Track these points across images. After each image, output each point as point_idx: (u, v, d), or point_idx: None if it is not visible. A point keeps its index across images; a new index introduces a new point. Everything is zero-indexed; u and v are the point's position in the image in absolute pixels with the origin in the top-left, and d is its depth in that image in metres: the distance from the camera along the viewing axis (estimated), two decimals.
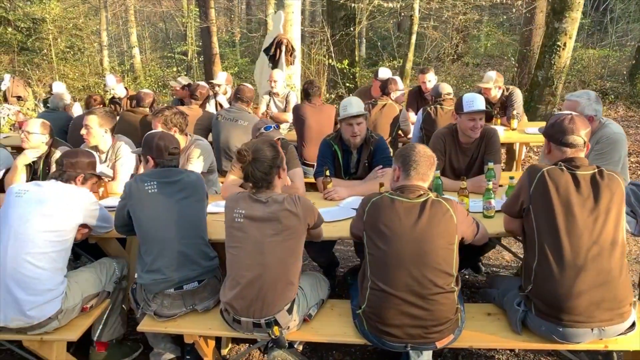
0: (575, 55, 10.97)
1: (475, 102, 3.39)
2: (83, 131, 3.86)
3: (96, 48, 14.02)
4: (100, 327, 2.93)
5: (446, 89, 4.84)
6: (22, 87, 9.74)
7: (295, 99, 6.56)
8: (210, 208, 3.12)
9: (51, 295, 2.60)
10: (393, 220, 2.33)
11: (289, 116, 6.46)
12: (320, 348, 3.09)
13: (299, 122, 5.09)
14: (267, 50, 7.98)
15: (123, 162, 3.87)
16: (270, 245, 2.42)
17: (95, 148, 3.78)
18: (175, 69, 15.16)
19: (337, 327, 2.61)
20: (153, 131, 2.98)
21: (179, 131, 3.71)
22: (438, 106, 4.58)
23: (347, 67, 10.38)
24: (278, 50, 7.86)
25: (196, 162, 3.71)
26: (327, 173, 3.47)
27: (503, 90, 5.56)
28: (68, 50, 14.50)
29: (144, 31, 19.32)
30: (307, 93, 5.12)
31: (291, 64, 8.08)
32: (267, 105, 6.36)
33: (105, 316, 2.93)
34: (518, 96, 5.52)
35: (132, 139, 4.83)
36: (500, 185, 3.54)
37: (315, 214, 2.56)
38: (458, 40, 13.86)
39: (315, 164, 3.81)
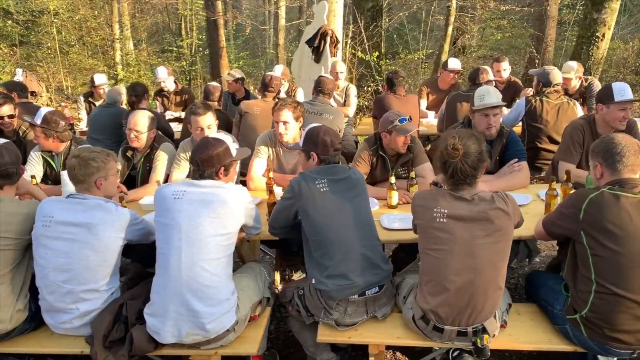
0: (613, 46, 10.87)
1: (626, 90, 3.22)
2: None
3: (108, 41, 13.49)
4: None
5: (557, 77, 4.37)
6: (35, 82, 9.25)
7: (355, 92, 6.34)
8: None
9: (228, 305, 2.37)
10: (622, 218, 2.14)
11: (350, 110, 6.25)
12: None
13: (383, 113, 4.85)
14: (310, 42, 7.71)
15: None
16: (481, 248, 2.22)
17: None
18: (184, 63, 14.70)
19: (536, 333, 2.42)
20: (315, 125, 2.73)
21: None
22: (544, 98, 4.31)
23: (376, 59, 10.17)
24: (322, 42, 7.60)
25: None
26: (413, 175, 3.23)
27: (582, 81, 5.42)
28: (74, 43, 13.97)
29: (140, 23, 18.78)
30: (391, 83, 4.91)
31: (334, 56, 7.83)
32: None
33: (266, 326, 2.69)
34: (598, 87, 5.38)
35: None
36: None
37: (519, 212, 2.37)
38: (476, 32, 13.75)
39: None
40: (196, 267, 2.31)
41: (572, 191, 2.95)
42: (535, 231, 2.60)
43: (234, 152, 2.63)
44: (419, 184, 3.24)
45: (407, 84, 11.72)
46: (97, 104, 6.57)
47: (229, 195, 2.44)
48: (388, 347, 2.96)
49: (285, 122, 3.50)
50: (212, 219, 2.37)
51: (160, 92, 6.62)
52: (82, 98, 6.73)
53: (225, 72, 14.06)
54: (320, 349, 2.69)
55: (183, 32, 17.63)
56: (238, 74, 6.50)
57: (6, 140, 2.79)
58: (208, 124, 3.52)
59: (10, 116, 4.30)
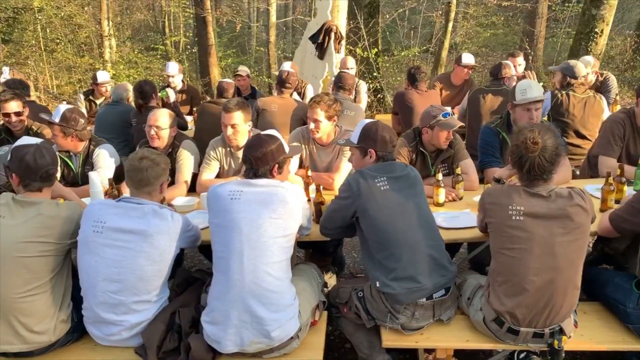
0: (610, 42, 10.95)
1: None
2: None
3: (96, 38, 13.12)
4: None
5: (583, 70, 4.27)
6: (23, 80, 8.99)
7: (365, 88, 6.23)
8: None
9: (292, 311, 2.24)
10: None
11: (361, 107, 6.13)
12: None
13: (405, 109, 4.78)
14: (314, 38, 7.58)
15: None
16: (561, 246, 2.13)
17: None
18: (176, 60, 14.40)
19: (607, 333, 2.35)
20: (371, 121, 2.60)
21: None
22: (570, 92, 4.26)
23: (374, 56, 10.08)
24: (327, 38, 7.48)
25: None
26: (459, 171, 3.15)
27: (598, 76, 5.41)
28: (58, 40, 13.56)
29: (124, 21, 18.35)
30: (414, 79, 4.81)
31: (338, 52, 7.72)
32: None
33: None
34: (614, 81, 5.39)
35: (217, 131, 4.41)
36: None
37: (594, 208, 2.28)
38: (468, 28, 13.78)
39: (480, 153, 3.51)
40: (259, 271, 2.17)
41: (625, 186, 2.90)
42: (599, 228, 2.52)
43: (287, 149, 2.50)
44: (465, 181, 3.16)
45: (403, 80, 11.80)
46: (98, 102, 6.36)
47: (289, 195, 2.31)
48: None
49: (316, 120, 3.37)
50: (273, 220, 2.23)
51: (166, 89, 6.40)
52: (82, 96, 6.48)
53: (214, 70, 13.89)
54: (376, 351, 2.57)
55: (167, 30, 17.34)
56: (244, 71, 6.37)
57: (41, 140, 2.60)
58: (237, 121, 3.35)
59: (18, 113, 4.04)
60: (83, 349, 2.39)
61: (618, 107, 5.21)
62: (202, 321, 2.24)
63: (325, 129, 3.41)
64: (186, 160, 3.48)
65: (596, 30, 8.82)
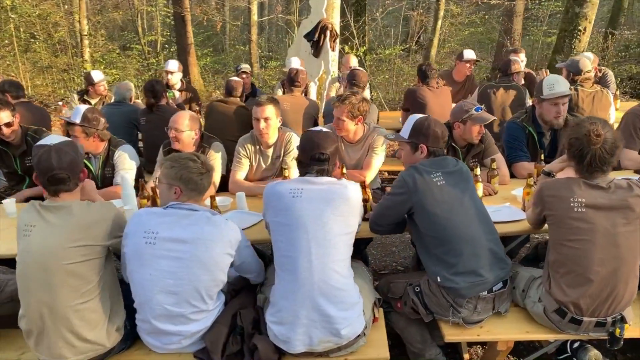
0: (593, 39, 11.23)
1: None
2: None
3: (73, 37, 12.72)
4: None
5: (587, 64, 4.42)
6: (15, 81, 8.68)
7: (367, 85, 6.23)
8: None
9: (359, 308, 2.23)
10: None
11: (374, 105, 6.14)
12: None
13: (418, 106, 4.79)
14: (310, 36, 7.55)
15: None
16: (623, 236, 2.17)
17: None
18: (153, 60, 14.14)
19: None
20: (422, 116, 2.60)
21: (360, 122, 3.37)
22: (579, 87, 4.36)
23: (363, 54, 10.12)
24: (322, 36, 7.46)
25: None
26: (494, 166, 3.18)
27: (597, 71, 5.55)
28: (32, 40, 13.13)
29: (96, 19, 17.90)
30: (425, 75, 4.84)
31: (333, 50, 7.71)
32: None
33: None
34: (612, 76, 5.56)
35: (226, 131, 4.37)
36: None
37: None
38: (449, 26, 13.95)
39: (507, 148, 3.55)
40: (327, 269, 2.15)
41: None
42: None
43: None
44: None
45: (390, 79, 11.88)
46: (93, 102, 6.18)
47: (349, 192, 2.29)
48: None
49: (339, 120, 3.35)
50: (336, 217, 2.21)
51: (172, 91, 6.27)
52: (75, 96, 6.27)
53: (194, 70, 13.68)
54: (429, 345, 2.59)
55: (139, 30, 16.99)
56: (247, 68, 6.30)
57: (64, 140, 2.48)
58: (269, 115, 3.30)
59: (8, 124, 3.58)
60: (138, 355, 2.32)
61: (618, 102, 5.37)
62: (268, 321, 2.20)
63: (349, 127, 3.39)
64: (216, 161, 3.41)
65: (579, 27, 9.05)
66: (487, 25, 15.98)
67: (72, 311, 2.12)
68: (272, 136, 3.36)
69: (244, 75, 6.12)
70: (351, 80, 4.70)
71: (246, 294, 2.45)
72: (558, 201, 2.25)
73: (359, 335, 2.21)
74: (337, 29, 7.93)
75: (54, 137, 2.50)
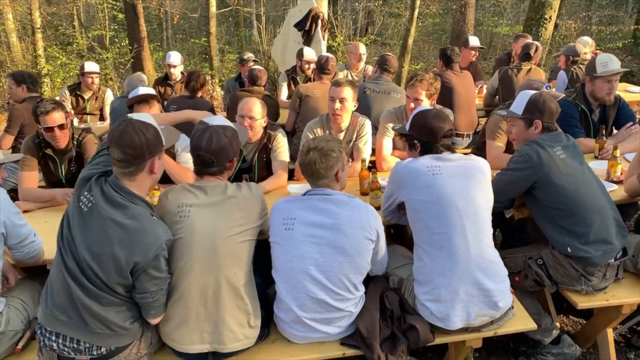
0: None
1: None
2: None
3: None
4: None
5: (582, 48, 4.68)
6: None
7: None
8: None
9: (508, 281, 2.26)
10: None
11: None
12: None
13: (444, 90, 4.83)
14: (300, 25, 7.45)
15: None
16: None
17: None
18: (108, 54, 13.40)
19: None
20: (536, 92, 2.63)
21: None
22: (577, 68, 4.61)
23: (338, 43, 10.14)
24: (314, 25, 7.39)
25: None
26: (604, 131, 3.34)
27: (594, 55, 5.85)
28: None
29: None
30: (449, 60, 4.88)
31: (323, 39, 7.65)
32: None
33: None
34: None
35: None
36: None
37: None
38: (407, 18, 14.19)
39: (561, 125, 3.66)
40: (482, 244, 2.16)
41: None
42: None
43: None
44: None
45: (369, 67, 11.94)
46: (86, 96, 5.79)
47: (484, 166, 2.31)
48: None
49: (417, 100, 3.31)
50: (480, 192, 2.23)
51: (164, 81, 5.98)
52: (67, 91, 5.84)
53: (147, 64, 13.10)
54: (542, 315, 2.64)
55: (76, 24, 16.10)
56: (252, 57, 6.15)
57: (225, 124, 2.23)
58: (346, 96, 3.25)
59: (62, 126, 3.13)
60: (276, 346, 2.23)
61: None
62: (424, 300, 2.17)
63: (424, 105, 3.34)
64: (284, 148, 3.31)
65: (545, 16, 9.52)
66: (440, 17, 16.47)
67: (235, 296, 2.05)
68: (345, 119, 3.29)
69: (251, 63, 5.94)
70: (382, 65, 4.67)
71: (376, 277, 2.40)
72: None
73: (510, 307, 2.23)
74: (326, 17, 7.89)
75: (218, 119, 2.30)
